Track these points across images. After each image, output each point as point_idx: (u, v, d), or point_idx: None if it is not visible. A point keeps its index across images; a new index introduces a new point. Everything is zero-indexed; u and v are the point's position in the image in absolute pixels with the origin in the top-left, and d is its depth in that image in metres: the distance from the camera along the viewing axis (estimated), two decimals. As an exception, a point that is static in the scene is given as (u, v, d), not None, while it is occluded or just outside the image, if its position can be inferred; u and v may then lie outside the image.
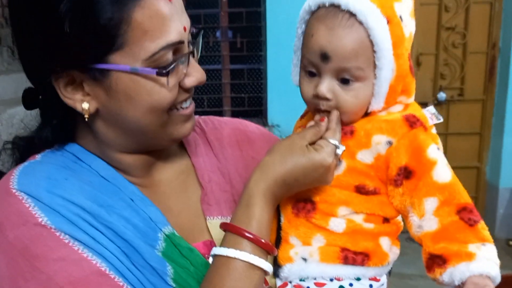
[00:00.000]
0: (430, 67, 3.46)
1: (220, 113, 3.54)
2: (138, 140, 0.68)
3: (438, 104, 3.50)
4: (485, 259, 0.59)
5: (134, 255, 0.62)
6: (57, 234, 0.59)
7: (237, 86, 3.56)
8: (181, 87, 0.66)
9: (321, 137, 0.68)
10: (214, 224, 0.71)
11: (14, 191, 0.61)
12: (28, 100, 0.69)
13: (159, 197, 0.71)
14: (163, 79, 0.63)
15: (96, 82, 0.63)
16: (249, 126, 0.87)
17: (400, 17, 0.66)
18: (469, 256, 0.59)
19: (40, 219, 0.59)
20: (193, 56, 0.69)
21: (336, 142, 0.66)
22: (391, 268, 0.72)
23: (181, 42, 0.64)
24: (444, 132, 3.61)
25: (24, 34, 0.64)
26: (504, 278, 0.59)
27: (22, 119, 0.71)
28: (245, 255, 0.61)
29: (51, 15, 0.58)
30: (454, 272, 0.59)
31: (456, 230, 0.61)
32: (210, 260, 0.65)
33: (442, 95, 3.46)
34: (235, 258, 0.61)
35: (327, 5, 0.66)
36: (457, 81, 3.47)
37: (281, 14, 3.12)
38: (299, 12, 0.72)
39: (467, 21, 3.34)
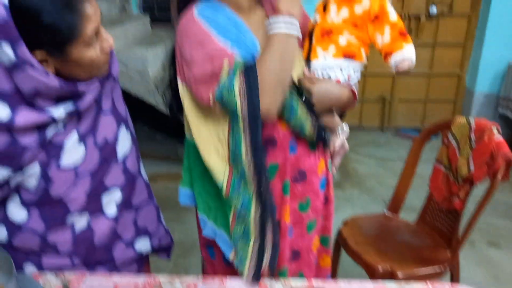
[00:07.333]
0: (425, -18, 3.87)
1: None
2: None
3: (429, 17, 4.01)
4: (409, 50, 1.20)
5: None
6: (216, 39, 1.11)
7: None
8: None
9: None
10: None
11: (195, 16, 1.14)
12: None
13: (251, 26, 1.27)
14: None
15: None
16: None
17: None
18: (401, 47, 1.20)
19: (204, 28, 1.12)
20: None
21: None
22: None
23: None
24: (433, 43, 4.14)
25: None
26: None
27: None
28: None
29: None
30: (395, 56, 1.20)
31: (398, 39, 1.22)
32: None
33: (433, 9, 3.94)
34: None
35: None
36: (448, -3, 3.88)
37: None
38: None
39: None
